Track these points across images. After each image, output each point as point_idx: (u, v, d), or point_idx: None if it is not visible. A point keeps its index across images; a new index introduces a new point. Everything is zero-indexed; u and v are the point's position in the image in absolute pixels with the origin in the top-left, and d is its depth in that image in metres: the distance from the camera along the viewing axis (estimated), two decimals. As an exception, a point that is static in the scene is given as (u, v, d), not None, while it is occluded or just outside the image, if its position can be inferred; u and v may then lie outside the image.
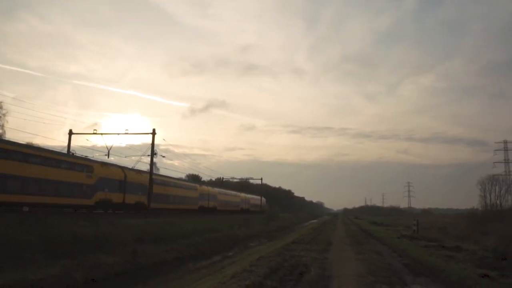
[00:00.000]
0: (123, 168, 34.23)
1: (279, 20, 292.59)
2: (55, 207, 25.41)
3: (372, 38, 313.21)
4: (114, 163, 35.32)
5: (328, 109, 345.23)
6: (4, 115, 38.40)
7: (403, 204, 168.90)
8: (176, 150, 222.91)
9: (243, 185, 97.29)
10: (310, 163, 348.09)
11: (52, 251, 14.79)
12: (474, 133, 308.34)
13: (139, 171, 36.69)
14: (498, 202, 55.03)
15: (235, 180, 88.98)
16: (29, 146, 26.39)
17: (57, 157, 26.73)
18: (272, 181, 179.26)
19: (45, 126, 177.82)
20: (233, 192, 72.42)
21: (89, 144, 36.23)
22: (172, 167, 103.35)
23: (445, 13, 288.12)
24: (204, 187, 56.87)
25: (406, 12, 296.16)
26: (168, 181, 42.52)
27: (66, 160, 27.52)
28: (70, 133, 34.94)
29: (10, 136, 39.53)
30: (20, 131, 73.40)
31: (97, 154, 33.85)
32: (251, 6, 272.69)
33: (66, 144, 34.30)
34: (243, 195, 77.76)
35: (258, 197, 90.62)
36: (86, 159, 30.15)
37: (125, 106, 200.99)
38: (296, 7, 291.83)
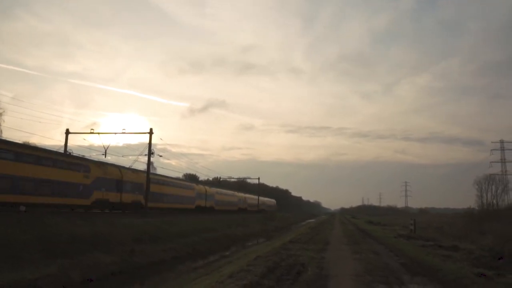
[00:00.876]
0: (204, 186, 58.40)
1: (277, 19, 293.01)
2: (182, 210, 43.60)
3: (370, 37, 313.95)
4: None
5: (326, 108, 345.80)
6: (1, 114, 38.13)
7: (400, 203, 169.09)
8: (174, 150, 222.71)
9: (241, 185, 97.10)
10: (308, 162, 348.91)
11: (50, 251, 14.80)
12: (471, 133, 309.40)
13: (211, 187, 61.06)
14: (494, 201, 55.41)
15: (232, 179, 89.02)
16: (176, 178, 49.34)
17: (179, 182, 47.87)
18: (270, 181, 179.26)
19: (42, 125, 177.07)
20: (254, 196, 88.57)
21: (86, 144, 36.25)
22: (169, 166, 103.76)
23: (443, 13, 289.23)
24: (241, 194, 76.45)
25: (404, 11, 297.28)
26: (224, 192, 66.12)
27: (183, 184, 49.18)
28: (67, 132, 34.76)
29: (7, 135, 39.40)
30: (17, 130, 72.96)
31: (94, 154, 34.10)
32: (249, 6, 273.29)
33: (63, 143, 34.23)
34: (261, 198, 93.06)
35: (270, 199, 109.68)
36: (192, 184, 53.34)
37: (123, 106, 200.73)
38: (295, 6, 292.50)
